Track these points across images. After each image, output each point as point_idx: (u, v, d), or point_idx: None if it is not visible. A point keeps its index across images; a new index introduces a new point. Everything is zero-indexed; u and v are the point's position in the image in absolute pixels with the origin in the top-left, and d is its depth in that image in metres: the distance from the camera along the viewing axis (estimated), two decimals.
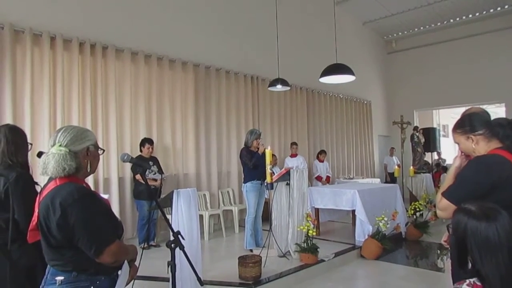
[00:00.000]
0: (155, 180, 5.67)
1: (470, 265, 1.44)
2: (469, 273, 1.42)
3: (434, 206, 7.71)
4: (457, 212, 1.50)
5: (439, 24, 11.92)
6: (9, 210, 2.07)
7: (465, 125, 2.03)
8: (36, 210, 1.73)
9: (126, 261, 1.83)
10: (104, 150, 1.92)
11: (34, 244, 1.86)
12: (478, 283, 1.37)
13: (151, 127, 6.35)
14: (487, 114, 2.11)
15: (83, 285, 1.69)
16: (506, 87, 10.78)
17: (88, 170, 1.80)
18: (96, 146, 1.83)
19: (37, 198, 1.77)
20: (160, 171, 5.86)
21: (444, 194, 1.93)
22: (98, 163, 1.89)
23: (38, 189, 2.39)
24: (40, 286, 1.75)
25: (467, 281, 1.39)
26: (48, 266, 1.76)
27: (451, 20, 11.67)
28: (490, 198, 1.69)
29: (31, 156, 2.57)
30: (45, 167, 1.68)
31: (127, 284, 1.90)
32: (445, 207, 1.89)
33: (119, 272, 1.82)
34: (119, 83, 5.97)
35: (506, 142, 1.93)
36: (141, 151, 5.85)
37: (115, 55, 5.89)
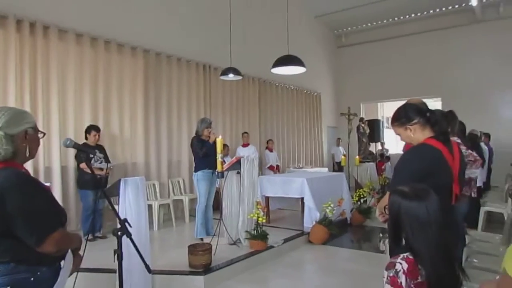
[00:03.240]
0: (101, 169, 5.45)
1: (404, 241, 1.56)
2: (403, 248, 1.54)
3: (377, 193, 8.18)
4: (392, 193, 1.62)
5: (385, 21, 12.43)
6: None
7: (401, 117, 2.15)
8: None
9: (70, 251, 1.76)
10: (44, 134, 1.80)
11: None
12: (411, 257, 1.49)
13: (97, 113, 6.08)
14: (422, 104, 2.24)
15: (22, 276, 1.59)
16: (442, 82, 11.58)
17: (27, 155, 1.69)
18: (36, 129, 1.72)
19: None
20: (107, 159, 5.65)
21: (388, 190, 2.05)
22: (38, 147, 1.77)
23: None
24: None
25: (401, 255, 1.51)
26: None
27: (398, 18, 12.19)
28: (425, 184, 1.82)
29: None
30: None
31: (70, 274, 1.82)
32: (387, 198, 1.96)
33: (62, 263, 1.75)
34: (61, 66, 5.63)
35: (435, 127, 2.07)
36: (86, 138, 5.58)
37: (58, 36, 5.55)
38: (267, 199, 6.53)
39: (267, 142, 9.45)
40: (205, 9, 8.10)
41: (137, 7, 6.77)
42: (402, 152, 10.12)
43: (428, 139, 2.06)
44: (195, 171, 5.45)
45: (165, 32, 7.24)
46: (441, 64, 11.72)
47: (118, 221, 2.13)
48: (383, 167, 10.91)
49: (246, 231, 4.97)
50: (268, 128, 10.02)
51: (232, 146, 8.54)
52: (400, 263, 1.47)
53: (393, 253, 1.64)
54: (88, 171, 5.31)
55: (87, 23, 5.95)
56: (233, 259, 4.44)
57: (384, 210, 1.83)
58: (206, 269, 4.05)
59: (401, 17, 12.12)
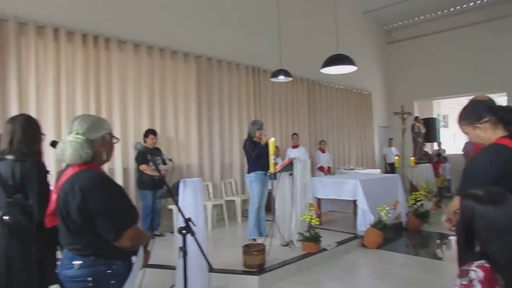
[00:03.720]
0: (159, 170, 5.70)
1: (477, 248, 1.48)
2: (476, 256, 1.45)
3: (435, 196, 7.82)
4: (464, 197, 1.52)
5: (439, 12, 11.79)
6: (26, 196, 2.12)
7: (469, 115, 1.99)
8: (54, 195, 1.77)
9: (141, 247, 1.89)
10: (118, 139, 1.96)
11: (45, 231, 1.90)
12: (486, 265, 1.40)
13: (153, 118, 6.38)
14: (491, 101, 2.11)
15: (100, 269, 1.73)
16: (507, 76, 10.68)
17: (104, 158, 1.84)
18: (111, 135, 1.87)
19: (55, 184, 1.82)
20: (164, 162, 5.91)
21: (457, 194, 1.90)
22: (113, 151, 1.93)
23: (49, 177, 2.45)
24: (57, 271, 1.78)
25: (476, 263, 1.42)
26: (65, 251, 1.80)
27: (452, 9, 11.55)
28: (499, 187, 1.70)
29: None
30: (62, 154, 1.72)
31: (140, 269, 1.95)
32: (456, 203, 1.83)
33: (133, 259, 1.88)
34: (121, 75, 5.99)
35: (510, 127, 1.92)
36: (144, 142, 5.88)
37: (118, 47, 5.92)
38: (318, 200, 6.49)
39: (320, 143, 9.37)
40: (254, 12, 8.23)
41: (189, 16, 7.02)
42: (461, 152, 9.57)
43: (501, 139, 1.90)
44: (248, 172, 5.54)
45: (215, 37, 7.44)
46: (505, 56, 10.78)
47: (181, 220, 2.24)
48: (440, 168, 10.43)
49: (299, 233, 4.98)
50: (318, 129, 9.94)
51: (282, 148, 8.57)
52: (475, 271, 1.39)
53: (464, 260, 1.55)
54: (148, 172, 5.65)
55: (144, 34, 6.28)
56: (286, 261, 4.47)
57: (455, 215, 1.73)
58: (260, 269, 4.11)
59: (458, 7, 11.41)
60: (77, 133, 1.74)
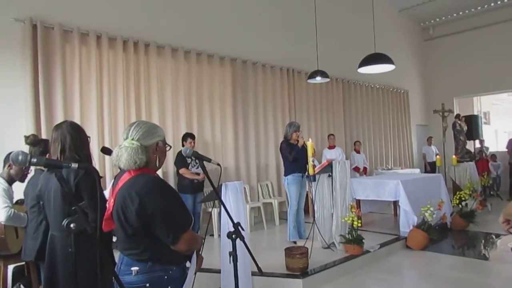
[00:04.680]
0: (198, 174, 5.78)
1: None
2: None
3: (480, 195, 7.50)
4: None
5: (479, 8, 11.37)
6: (82, 201, 2.17)
7: None
8: (111, 200, 1.81)
9: (195, 252, 1.90)
10: (171, 147, 1.98)
11: (103, 236, 1.94)
12: None
13: (191, 121, 6.47)
14: None
15: (157, 275, 1.74)
16: None
17: (157, 165, 1.87)
18: (164, 142, 1.89)
19: (111, 189, 1.86)
20: (202, 165, 5.96)
21: None
22: (165, 158, 1.95)
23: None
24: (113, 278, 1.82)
25: None
26: (121, 256, 1.82)
27: (492, 4, 11.12)
28: None
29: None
30: (118, 159, 1.75)
31: (194, 274, 1.96)
32: None
33: (187, 264, 1.89)
34: (160, 79, 6.11)
35: None
36: (183, 145, 5.96)
37: (157, 52, 6.04)
38: (358, 202, 6.36)
39: (354, 144, 9.22)
40: (288, 14, 8.19)
41: (224, 20, 7.08)
42: (505, 150, 9.11)
43: None
44: (285, 175, 5.51)
45: (250, 40, 7.47)
46: None
47: (230, 224, 2.24)
48: (490, 166, 10.07)
49: (341, 235, 4.89)
50: (354, 129, 9.76)
51: (318, 149, 8.47)
52: None
53: None
54: (188, 176, 5.70)
55: (181, 39, 6.39)
56: (328, 264, 4.41)
57: None
58: (304, 272, 4.07)
59: (499, 2, 10.97)
60: (133, 139, 1.76)
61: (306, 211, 5.95)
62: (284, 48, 8.01)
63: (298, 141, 5.41)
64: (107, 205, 1.85)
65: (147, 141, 1.79)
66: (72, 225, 1.45)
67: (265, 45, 7.72)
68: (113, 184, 1.90)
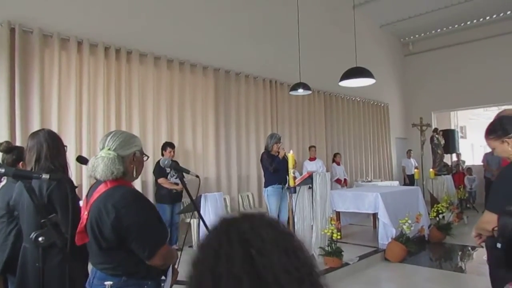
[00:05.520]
0: (177, 183, 5.70)
1: None
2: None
3: (457, 207, 7.64)
4: (502, 215, 1.51)
5: (456, 26, 11.76)
6: (53, 213, 2.09)
7: (496, 130, 2.04)
8: (85, 212, 1.75)
9: (171, 265, 1.86)
10: (148, 157, 1.94)
11: (75, 249, 1.87)
12: None
13: (172, 131, 6.41)
14: None
15: None
16: None
17: (134, 175, 1.83)
18: (142, 152, 1.86)
19: (85, 201, 1.80)
20: (181, 175, 5.89)
21: (486, 208, 1.96)
22: (142, 168, 1.91)
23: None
24: None
25: None
26: (93, 270, 1.76)
27: (468, 22, 11.52)
28: None
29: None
30: (94, 170, 1.70)
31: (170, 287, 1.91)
32: (488, 219, 1.87)
33: (163, 277, 1.84)
34: (142, 87, 6.05)
35: None
36: (162, 155, 5.89)
37: (139, 60, 5.99)
38: (338, 214, 6.39)
39: (334, 156, 9.29)
40: (271, 25, 8.26)
41: (207, 30, 7.08)
42: (481, 164, 9.29)
43: None
44: (265, 186, 5.50)
45: (234, 50, 7.49)
46: None
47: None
48: (465, 180, 10.30)
49: (320, 247, 4.89)
50: (335, 141, 9.86)
51: (299, 160, 8.50)
52: None
53: (502, 279, 1.52)
54: (166, 186, 5.62)
55: (164, 47, 6.35)
56: None
57: (493, 232, 1.70)
58: None
59: (474, 21, 11.38)
60: (109, 149, 1.73)
61: (287, 222, 5.92)
62: (267, 60, 8.06)
63: (279, 152, 5.42)
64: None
65: (124, 151, 1.75)
66: (40, 239, 1.39)
67: (249, 56, 7.75)
68: (87, 195, 1.83)
